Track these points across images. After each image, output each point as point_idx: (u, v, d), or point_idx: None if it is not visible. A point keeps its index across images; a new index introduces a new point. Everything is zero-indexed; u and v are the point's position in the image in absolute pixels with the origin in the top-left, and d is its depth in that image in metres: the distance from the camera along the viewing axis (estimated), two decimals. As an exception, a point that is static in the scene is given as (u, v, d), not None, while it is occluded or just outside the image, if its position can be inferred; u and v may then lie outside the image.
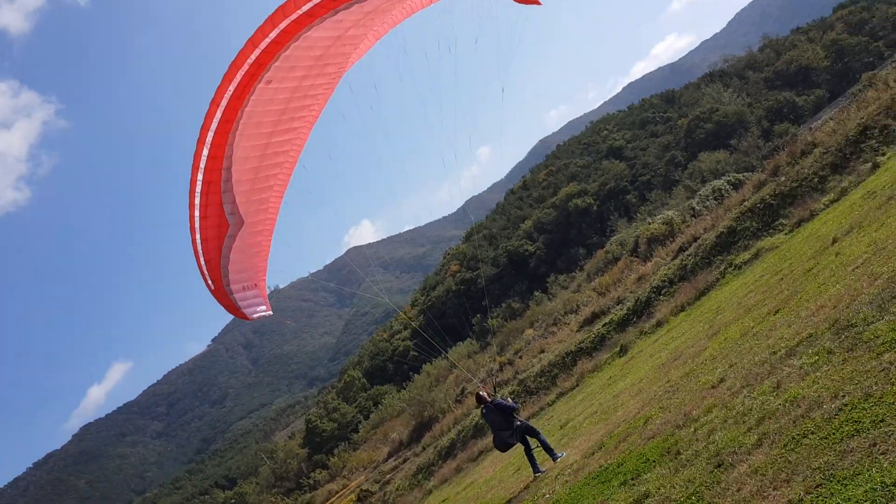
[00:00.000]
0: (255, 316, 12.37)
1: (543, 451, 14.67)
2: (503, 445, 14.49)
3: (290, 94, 11.62)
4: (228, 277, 11.36)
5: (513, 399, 16.85)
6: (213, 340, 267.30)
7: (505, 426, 14.08)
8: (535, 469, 14.33)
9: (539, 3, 13.95)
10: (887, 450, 5.79)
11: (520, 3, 13.75)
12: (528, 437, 14.54)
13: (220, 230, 10.58)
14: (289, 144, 11.78)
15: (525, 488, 14.31)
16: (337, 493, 53.54)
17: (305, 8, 10.74)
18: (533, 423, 18.12)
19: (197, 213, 10.28)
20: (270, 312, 12.64)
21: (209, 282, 11.33)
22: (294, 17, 10.74)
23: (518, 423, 14.22)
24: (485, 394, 14.69)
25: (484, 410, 14.54)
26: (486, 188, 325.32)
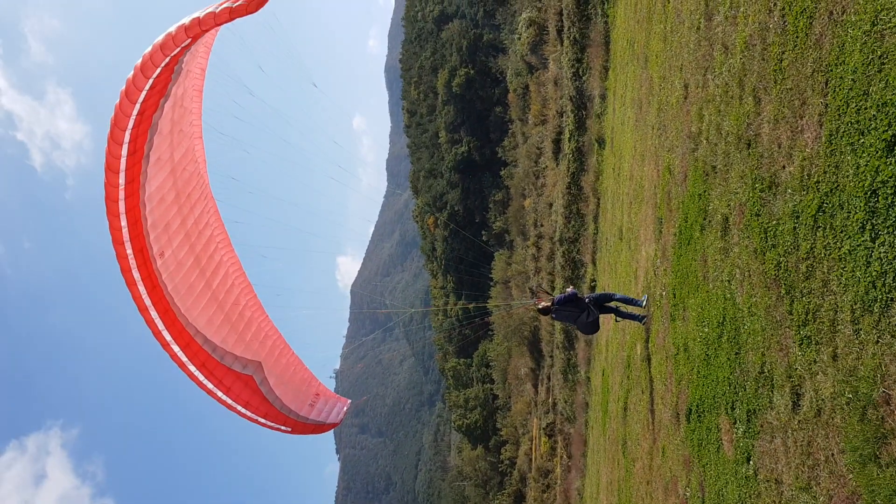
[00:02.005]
0: (340, 417, 12.28)
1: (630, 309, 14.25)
2: (590, 328, 13.89)
3: (186, 241, 11.21)
4: (294, 411, 11.25)
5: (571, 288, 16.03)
6: (337, 453, 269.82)
7: (579, 312, 13.52)
8: (637, 318, 14.09)
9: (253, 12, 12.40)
10: (844, 8, 5.73)
11: (234, 18, 12.24)
12: (606, 304, 14.06)
13: (248, 387, 10.41)
14: (229, 283, 11.45)
15: (647, 311, 14.45)
16: (530, 448, 54.61)
17: (124, 185, 10.27)
18: (598, 289, 17.49)
19: (221, 394, 10.09)
20: (349, 401, 12.55)
21: (284, 428, 11.24)
22: (121, 193, 10.30)
23: (587, 299, 13.70)
24: (543, 304, 13.99)
25: (554, 316, 13.95)
26: (387, 144, 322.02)
